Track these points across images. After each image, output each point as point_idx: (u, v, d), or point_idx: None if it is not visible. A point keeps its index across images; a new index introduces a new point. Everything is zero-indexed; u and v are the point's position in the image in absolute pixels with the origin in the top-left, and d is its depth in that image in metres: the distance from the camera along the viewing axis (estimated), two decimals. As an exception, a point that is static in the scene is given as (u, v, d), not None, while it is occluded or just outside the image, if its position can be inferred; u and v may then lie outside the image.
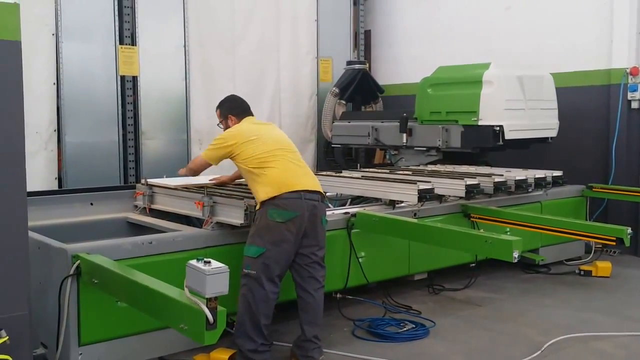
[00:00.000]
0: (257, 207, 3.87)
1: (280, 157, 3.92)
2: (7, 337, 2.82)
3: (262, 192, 3.82)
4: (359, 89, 8.10)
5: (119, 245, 3.70)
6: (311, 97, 8.41)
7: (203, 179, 5.06)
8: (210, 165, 4.29)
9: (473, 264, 5.49)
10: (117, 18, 6.73)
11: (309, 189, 3.86)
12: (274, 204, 3.75)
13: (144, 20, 6.89)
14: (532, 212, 5.50)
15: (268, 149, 3.94)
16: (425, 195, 4.90)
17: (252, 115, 4.35)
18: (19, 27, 2.87)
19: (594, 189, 6.37)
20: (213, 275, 2.53)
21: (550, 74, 6.65)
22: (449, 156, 6.72)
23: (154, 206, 4.96)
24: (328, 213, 4.46)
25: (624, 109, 6.65)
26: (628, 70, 6.59)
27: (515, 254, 3.80)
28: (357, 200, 5.68)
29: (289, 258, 3.79)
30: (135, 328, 3.62)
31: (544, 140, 6.62)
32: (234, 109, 4.35)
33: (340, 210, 4.94)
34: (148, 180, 5.09)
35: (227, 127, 4.33)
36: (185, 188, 4.71)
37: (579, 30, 7.02)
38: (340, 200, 5.88)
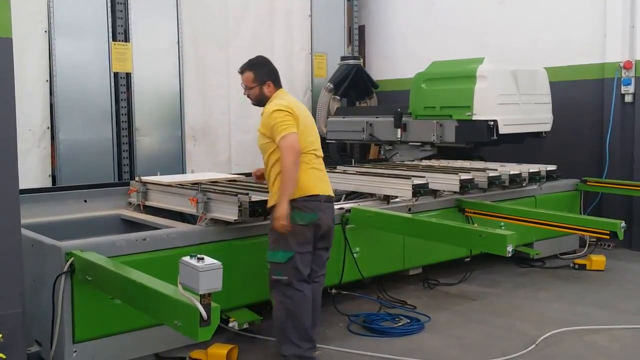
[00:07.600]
0: (270, 204, 3.74)
1: (309, 160, 3.73)
2: (1, 335, 2.81)
3: None
4: (353, 84, 8.09)
5: (112, 242, 3.69)
6: (305, 92, 8.39)
7: (201, 176, 5.06)
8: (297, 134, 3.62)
9: (468, 259, 5.51)
10: (110, 14, 6.70)
11: (327, 194, 3.84)
12: (295, 207, 3.64)
13: (137, 17, 6.86)
14: (526, 207, 5.52)
15: (304, 144, 3.66)
16: (419, 190, 4.92)
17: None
18: (9, 24, 2.86)
19: (588, 183, 6.38)
20: (206, 271, 2.53)
21: (544, 68, 6.66)
22: (443, 151, 6.73)
23: (147, 203, 4.95)
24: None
25: (618, 102, 6.66)
26: (621, 64, 6.60)
27: (509, 248, 3.83)
28: (351, 195, 5.67)
29: (312, 259, 3.78)
30: (129, 325, 3.61)
31: (538, 134, 6.63)
32: (272, 74, 3.83)
33: (335, 206, 4.93)
34: (142, 177, 5.07)
35: (260, 93, 3.81)
36: (179, 185, 4.70)
37: (572, 25, 7.02)
38: (334, 196, 5.86)
